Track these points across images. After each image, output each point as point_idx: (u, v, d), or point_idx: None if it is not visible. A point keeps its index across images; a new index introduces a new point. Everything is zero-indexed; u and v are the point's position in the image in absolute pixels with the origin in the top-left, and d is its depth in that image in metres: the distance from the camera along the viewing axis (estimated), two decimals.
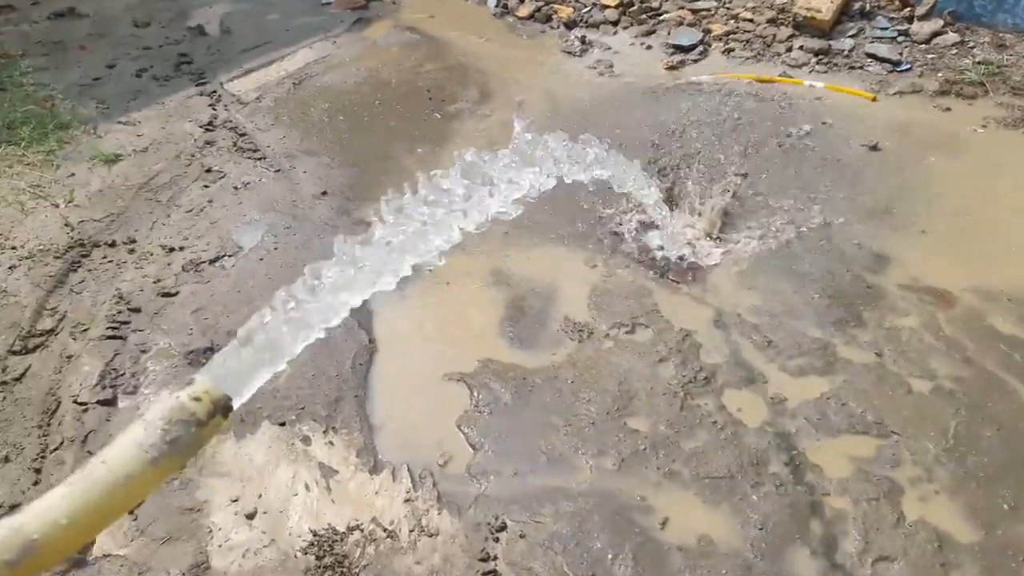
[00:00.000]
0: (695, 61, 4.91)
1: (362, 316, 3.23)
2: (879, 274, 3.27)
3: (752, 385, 2.86)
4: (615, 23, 5.43)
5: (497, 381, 2.93)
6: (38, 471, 2.65)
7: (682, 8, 5.36)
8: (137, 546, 2.43)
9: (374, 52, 5.35)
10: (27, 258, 3.49)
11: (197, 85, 5.01)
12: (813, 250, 3.41)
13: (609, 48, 5.20)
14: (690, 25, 5.19)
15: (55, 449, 2.71)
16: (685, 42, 5.02)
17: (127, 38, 5.69)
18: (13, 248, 3.54)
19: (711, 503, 2.50)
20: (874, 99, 4.36)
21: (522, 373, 2.96)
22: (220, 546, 2.44)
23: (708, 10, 5.32)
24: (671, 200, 3.72)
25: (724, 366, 2.93)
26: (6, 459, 2.68)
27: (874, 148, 3.95)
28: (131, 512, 0.75)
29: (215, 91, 4.94)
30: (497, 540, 2.44)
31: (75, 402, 2.86)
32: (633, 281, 3.35)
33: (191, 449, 0.94)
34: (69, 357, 3.06)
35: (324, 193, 3.96)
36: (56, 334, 3.17)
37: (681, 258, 3.48)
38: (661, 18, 5.35)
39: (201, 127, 4.55)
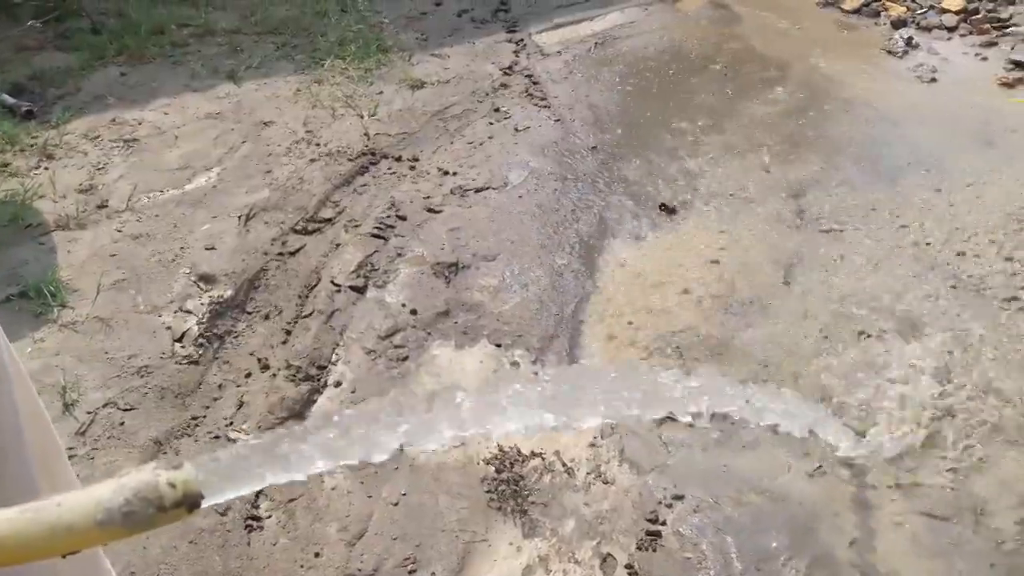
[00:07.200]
0: None
1: (592, 267, 3.29)
2: None
3: None
4: (951, 29, 4.91)
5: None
6: (288, 332, 3.00)
7: None
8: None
9: (681, 24, 5.29)
10: (326, 155, 3.93)
11: (508, 32, 5.28)
12: None
13: (937, 54, 4.73)
14: None
15: (305, 317, 3.05)
16: None
17: None
18: (317, 145, 4.00)
19: None
20: None
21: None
22: None
23: None
24: None
25: None
26: (267, 316, 3.07)
27: None
28: (64, 555, 0.79)
29: (522, 39, 5.17)
30: (670, 507, 2.38)
31: (332, 282, 3.19)
32: None
33: (141, 527, 0.90)
34: (337, 245, 3.41)
35: (594, 148, 4.03)
36: (332, 224, 3.54)
37: None
38: (1008, 30, 4.74)
39: (501, 70, 4.80)
